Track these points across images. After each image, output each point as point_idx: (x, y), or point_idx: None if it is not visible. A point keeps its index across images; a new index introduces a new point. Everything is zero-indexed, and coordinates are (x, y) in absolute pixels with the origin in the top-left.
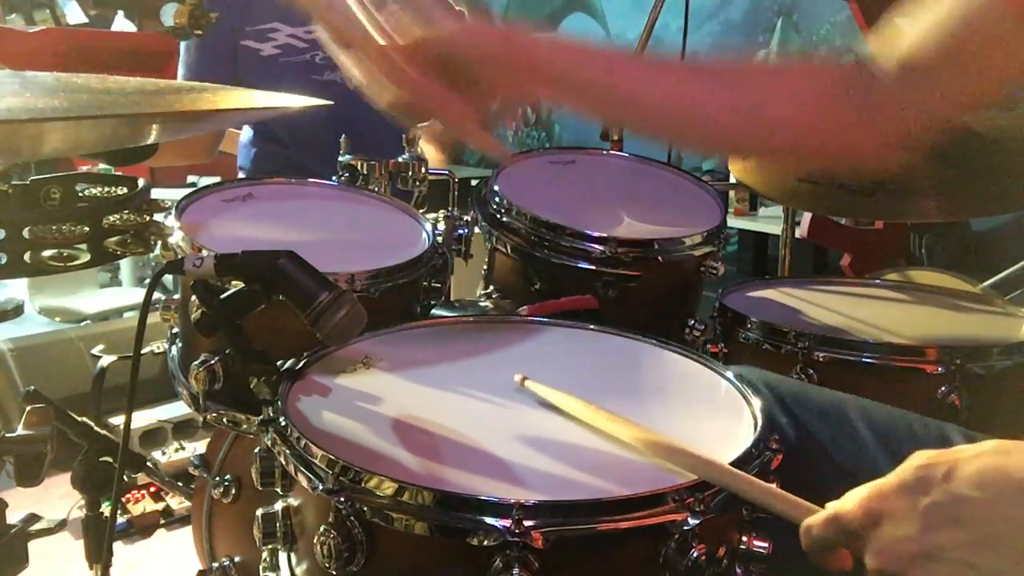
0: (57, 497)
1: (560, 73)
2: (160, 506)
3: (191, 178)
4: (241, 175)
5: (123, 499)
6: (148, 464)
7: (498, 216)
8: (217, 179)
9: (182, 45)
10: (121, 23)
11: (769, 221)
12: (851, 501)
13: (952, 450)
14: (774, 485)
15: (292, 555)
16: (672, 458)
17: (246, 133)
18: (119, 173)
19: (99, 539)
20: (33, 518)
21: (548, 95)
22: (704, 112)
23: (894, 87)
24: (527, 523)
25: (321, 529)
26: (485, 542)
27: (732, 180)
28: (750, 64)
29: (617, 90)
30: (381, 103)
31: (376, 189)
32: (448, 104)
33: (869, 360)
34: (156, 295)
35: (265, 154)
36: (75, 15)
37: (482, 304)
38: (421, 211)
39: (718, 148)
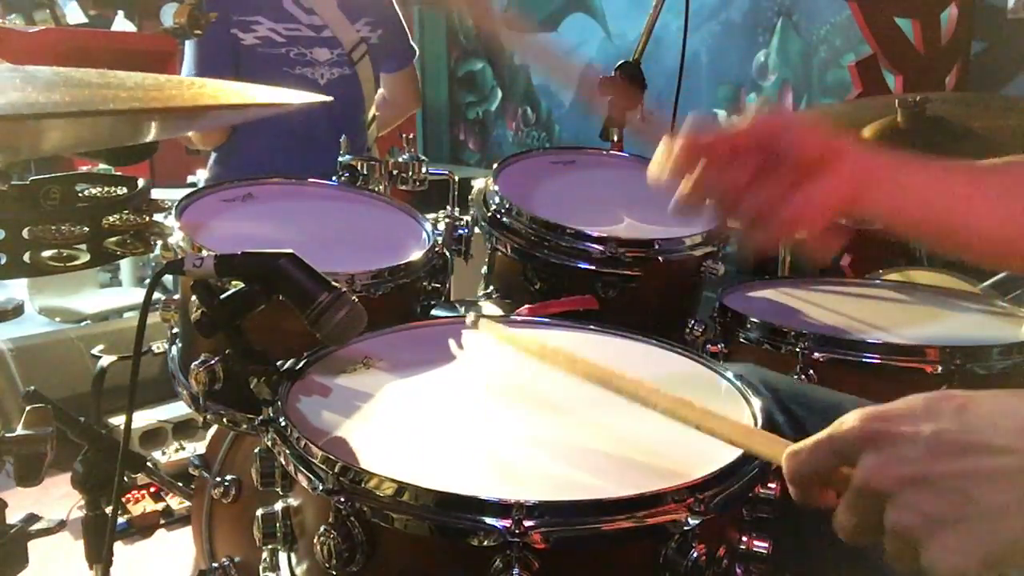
0: (57, 497)
1: (886, 195)
2: (160, 506)
3: (191, 178)
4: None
5: (123, 499)
6: (148, 464)
7: (498, 216)
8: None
9: (185, 44)
10: (121, 23)
11: None
12: (849, 421)
13: (964, 391)
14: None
15: (292, 555)
16: (625, 388)
17: None
18: (119, 173)
19: (99, 539)
20: (33, 518)
21: (864, 212)
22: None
23: None
24: (527, 523)
25: (321, 529)
26: (485, 542)
27: None
28: None
29: (939, 222)
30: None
31: (376, 189)
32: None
33: (869, 360)
34: (156, 295)
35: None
36: (75, 15)
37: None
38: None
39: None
